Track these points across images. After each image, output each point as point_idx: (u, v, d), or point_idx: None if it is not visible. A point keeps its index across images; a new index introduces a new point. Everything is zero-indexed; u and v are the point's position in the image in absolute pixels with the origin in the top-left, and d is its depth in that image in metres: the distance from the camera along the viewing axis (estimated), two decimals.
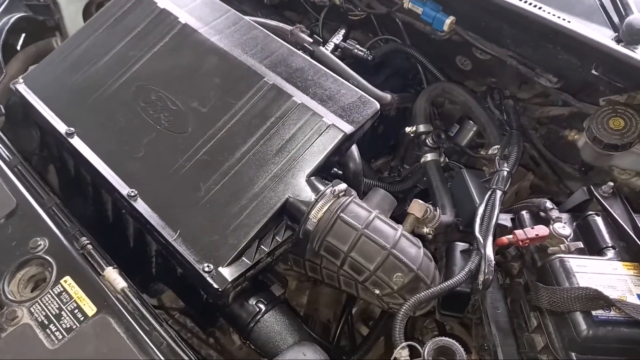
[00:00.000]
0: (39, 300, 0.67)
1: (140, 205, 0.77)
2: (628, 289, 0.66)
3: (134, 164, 0.82)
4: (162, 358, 0.62)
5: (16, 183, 0.80)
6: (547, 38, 0.90)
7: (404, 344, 0.62)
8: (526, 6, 0.89)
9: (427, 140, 0.97)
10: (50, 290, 0.68)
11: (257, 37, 0.93)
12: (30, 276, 0.71)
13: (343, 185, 0.75)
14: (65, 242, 0.73)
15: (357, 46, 1.06)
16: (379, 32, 1.23)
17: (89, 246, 0.74)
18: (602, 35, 0.87)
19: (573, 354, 0.63)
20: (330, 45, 1.02)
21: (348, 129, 0.79)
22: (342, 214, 0.72)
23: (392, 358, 0.63)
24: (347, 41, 1.06)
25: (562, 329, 0.66)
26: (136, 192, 0.78)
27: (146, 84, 0.89)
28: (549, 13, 0.89)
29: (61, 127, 0.87)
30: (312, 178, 0.76)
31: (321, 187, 0.75)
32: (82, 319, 0.65)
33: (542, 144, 1.01)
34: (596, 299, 0.63)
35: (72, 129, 0.86)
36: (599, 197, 0.78)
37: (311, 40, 0.97)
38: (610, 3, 0.91)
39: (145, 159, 0.82)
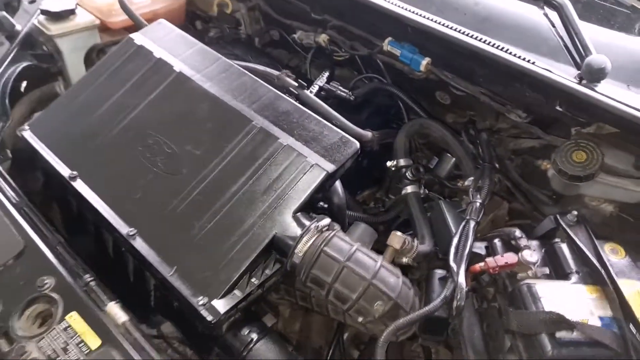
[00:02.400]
0: (47, 336, 0.72)
1: (139, 244, 0.83)
2: (590, 311, 0.72)
3: (132, 204, 0.89)
4: None
5: (23, 225, 0.86)
6: (515, 78, 0.97)
7: None
8: (494, 49, 0.97)
9: (407, 174, 1.04)
10: (56, 326, 0.73)
11: (246, 82, 1.00)
12: (37, 313, 0.76)
13: (327, 220, 0.82)
14: (70, 279, 0.78)
15: (340, 87, 1.13)
16: (363, 70, 1.31)
17: (92, 283, 0.80)
18: (565, 75, 0.95)
19: None
20: (315, 88, 1.09)
21: (330, 167, 0.85)
22: (325, 248, 0.78)
23: None
24: (331, 83, 1.14)
25: (530, 350, 0.71)
26: (135, 231, 0.84)
27: (143, 129, 0.96)
28: (515, 55, 0.96)
29: (65, 171, 0.93)
30: (299, 214, 0.82)
31: (306, 223, 0.81)
32: (86, 352, 0.71)
33: (518, 173, 1.07)
34: (559, 322, 0.69)
35: (75, 172, 0.93)
36: (564, 226, 0.84)
37: (296, 84, 1.05)
38: (571, 44, 0.99)
39: (143, 200, 0.88)
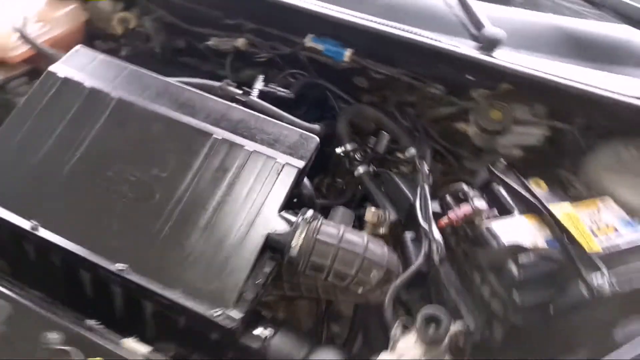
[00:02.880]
0: None
1: (134, 277, 0.83)
2: (535, 236, 0.89)
3: (111, 239, 0.88)
4: None
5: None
6: (429, 57, 1.12)
7: (397, 322, 0.79)
8: (409, 34, 1.10)
9: (356, 156, 1.15)
10: None
11: (192, 98, 1.02)
12: None
13: (310, 212, 0.90)
14: (75, 328, 0.77)
15: (278, 88, 1.20)
16: (284, 69, 1.38)
17: (97, 326, 0.79)
18: (468, 48, 1.12)
19: (514, 293, 0.84)
20: (256, 92, 1.14)
21: (300, 164, 0.93)
22: (318, 237, 0.86)
23: (390, 335, 0.79)
24: (269, 85, 1.20)
25: (500, 279, 0.87)
26: (125, 266, 0.84)
27: (98, 162, 0.94)
28: (426, 37, 1.11)
29: (23, 224, 0.88)
30: (282, 212, 0.89)
31: (293, 219, 0.88)
32: None
33: (441, 138, 1.24)
34: (518, 250, 0.85)
35: (35, 222, 0.88)
36: (497, 173, 1.01)
37: (240, 92, 1.09)
38: (468, 21, 1.16)
39: (122, 233, 0.88)
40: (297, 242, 0.86)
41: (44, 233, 0.88)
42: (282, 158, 0.93)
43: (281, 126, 0.99)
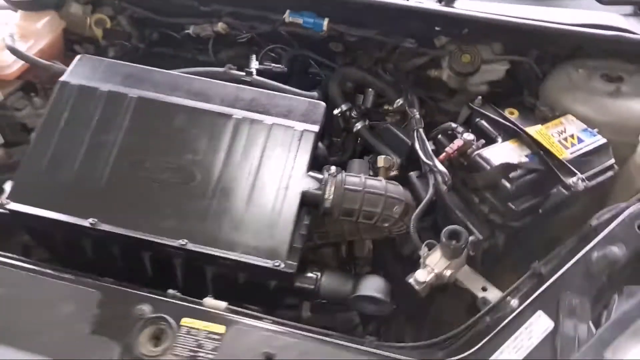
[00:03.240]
0: (176, 346, 0.84)
1: (197, 247, 0.96)
2: (518, 155, 1.08)
3: (166, 221, 0.99)
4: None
5: (72, 277, 0.92)
6: (400, 16, 1.26)
7: (424, 244, 0.96)
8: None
9: (352, 115, 1.29)
10: (178, 334, 0.85)
11: (204, 86, 1.12)
12: (150, 337, 0.87)
13: (333, 168, 1.04)
14: (161, 297, 0.89)
15: (273, 64, 1.31)
16: (262, 45, 1.47)
17: (178, 293, 0.92)
18: (432, 4, 1.27)
19: (509, 203, 1.04)
20: (254, 71, 1.25)
21: (315, 128, 1.06)
22: (345, 186, 1.01)
23: (420, 254, 0.96)
24: (264, 63, 1.30)
25: (496, 195, 1.06)
26: (186, 240, 0.96)
27: (135, 157, 1.04)
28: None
29: (82, 222, 0.98)
30: (309, 173, 1.03)
31: (319, 176, 1.03)
32: (219, 339, 0.85)
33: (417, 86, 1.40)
34: (508, 167, 1.04)
35: (94, 219, 0.98)
36: (476, 108, 1.19)
37: (244, 73, 1.20)
38: None
39: (176, 213, 0.99)
40: (329, 194, 1.01)
41: (105, 227, 0.98)
42: (299, 126, 1.06)
43: (289, 98, 1.12)
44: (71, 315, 0.87)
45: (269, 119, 1.07)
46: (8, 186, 1.13)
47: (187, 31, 1.46)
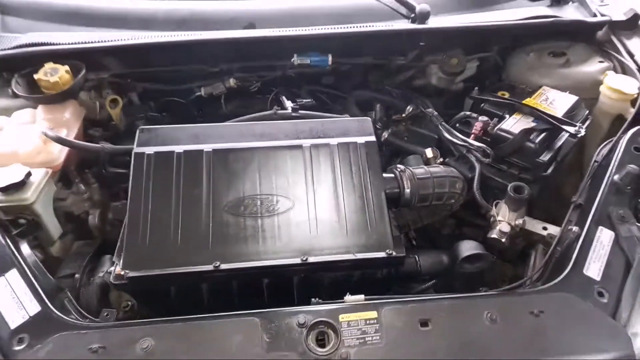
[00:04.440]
0: (344, 339, 0.95)
1: (317, 259, 1.08)
2: (527, 122, 1.35)
3: (279, 245, 1.10)
4: None
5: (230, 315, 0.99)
6: (391, 39, 1.51)
7: (492, 204, 1.18)
8: (372, 29, 1.47)
9: (376, 127, 1.50)
10: (342, 329, 0.96)
11: (265, 128, 1.26)
12: (317, 338, 0.96)
13: (401, 166, 1.23)
14: (310, 308, 1.00)
15: (304, 100, 1.48)
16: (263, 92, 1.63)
17: (319, 300, 1.03)
18: (410, 25, 1.53)
19: (537, 159, 1.29)
20: (295, 107, 1.40)
21: (373, 138, 1.24)
22: (417, 177, 1.21)
23: (492, 213, 1.18)
24: (297, 101, 1.47)
25: (522, 157, 1.31)
26: (305, 255, 1.08)
27: (229, 200, 1.14)
28: (383, 27, 1.50)
29: (206, 268, 1.06)
30: (384, 174, 1.21)
31: (391, 175, 1.21)
32: (376, 323, 0.97)
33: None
34: (528, 132, 1.30)
35: (216, 263, 1.06)
36: (479, 97, 1.46)
37: (290, 110, 1.36)
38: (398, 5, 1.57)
39: (285, 237, 1.11)
40: (407, 186, 1.19)
41: (227, 266, 1.06)
42: (360, 139, 1.24)
43: (339, 121, 1.30)
44: (244, 343, 0.94)
45: (333, 140, 1.23)
46: (107, 262, 1.18)
47: (197, 93, 1.59)
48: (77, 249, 1.31)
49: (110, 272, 1.11)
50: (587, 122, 1.42)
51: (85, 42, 1.47)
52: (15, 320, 0.98)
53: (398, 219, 1.29)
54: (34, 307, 1.00)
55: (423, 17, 1.54)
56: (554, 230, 1.21)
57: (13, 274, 1.04)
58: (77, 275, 1.19)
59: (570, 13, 1.66)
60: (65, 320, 0.99)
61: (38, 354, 0.93)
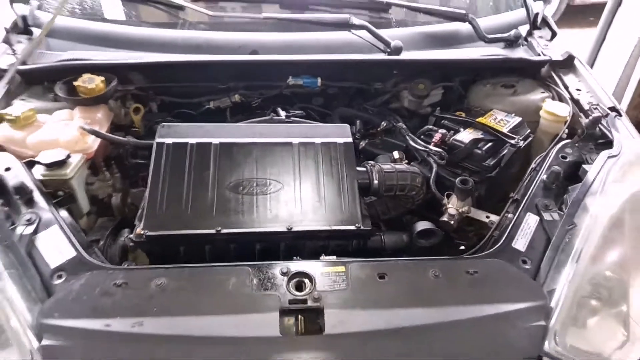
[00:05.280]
0: (317, 285, 1.19)
1: (300, 229, 1.34)
2: (477, 134, 1.65)
3: (271, 217, 1.36)
4: None
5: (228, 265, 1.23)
6: (369, 68, 1.84)
7: (444, 195, 1.46)
8: (358, 58, 1.80)
9: (355, 137, 1.79)
10: (317, 279, 1.21)
11: (263, 128, 1.55)
12: (296, 285, 1.21)
13: (372, 162, 1.52)
14: (292, 262, 1.25)
15: (295, 111, 1.78)
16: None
17: (299, 258, 1.28)
18: (386, 57, 1.86)
19: (483, 162, 1.58)
20: (286, 115, 1.70)
21: (350, 140, 1.53)
22: (384, 170, 1.49)
23: (443, 202, 1.45)
24: (289, 111, 1.77)
25: (473, 160, 1.60)
26: (290, 225, 1.34)
27: (231, 182, 1.41)
28: (366, 58, 1.82)
29: (211, 231, 1.32)
30: (357, 168, 1.49)
31: (364, 169, 1.50)
32: (343, 274, 1.22)
33: None
34: (476, 140, 1.60)
35: (218, 228, 1.32)
36: (439, 115, 1.77)
37: (284, 116, 1.66)
38: (378, 43, 1.90)
39: (275, 211, 1.37)
40: (375, 178, 1.47)
41: (227, 231, 1.32)
42: (340, 140, 1.52)
43: (322, 126, 1.59)
44: (237, 284, 1.18)
45: (317, 140, 1.52)
46: (126, 233, 1.43)
47: (207, 106, 1.89)
48: (100, 223, 1.57)
49: (130, 238, 1.36)
50: (529, 139, 1.72)
51: (116, 60, 1.79)
52: (55, 262, 1.23)
53: (370, 210, 1.56)
54: (70, 253, 1.25)
55: (397, 51, 1.88)
56: (494, 218, 1.48)
57: (54, 229, 1.29)
58: (101, 242, 1.44)
59: (519, 54, 1.99)
60: (95, 263, 1.24)
61: (73, 286, 1.17)
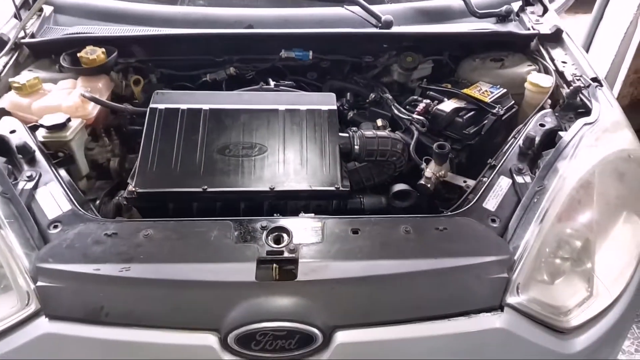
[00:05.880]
0: (293, 238, 1.28)
1: (282, 188, 1.42)
2: (459, 104, 1.70)
3: (255, 178, 1.43)
4: None
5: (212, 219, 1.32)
6: (361, 42, 1.89)
7: (422, 160, 1.52)
8: (350, 32, 1.86)
9: (344, 108, 1.86)
10: (294, 232, 1.29)
11: (252, 96, 1.63)
12: (275, 239, 1.29)
13: (354, 128, 1.58)
14: (273, 217, 1.33)
15: (285, 82, 1.85)
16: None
17: (279, 215, 1.36)
18: (378, 31, 1.92)
19: (464, 130, 1.64)
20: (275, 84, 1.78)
21: (334, 107, 1.60)
22: (365, 135, 1.55)
23: (422, 167, 1.51)
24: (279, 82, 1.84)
25: (454, 128, 1.66)
26: (273, 185, 1.42)
27: (219, 145, 1.49)
28: (358, 32, 1.88)
29: (197, 190, 1.40)
30: (340, 134, 1.56)
31: (346, 134, 1.56)
32: (319, 229, 1.30)
33: None
34: (457, 110, 1.65)
35: (204, 186, 1.41)
36: (425, 86, 1.82)
37: (273, 84, 1.73)
38: (368, 16, 1.96)
39: (260, 172, 1.45)
40: (357, 143, 1.54)
41: (212, 189, 1.41)
42: (324, 107, 1.59)
43: (308, 95, 1.66)
44: (219, 236, 1.27)
45: (303, 107, 1.59)
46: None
47: (204, 79, 1.97)
48: (98, 185, 1.67)
49: (124, 197, 1.46)
50: (513, 110, 1.76)
51: (118, 34, 1.88)
52: (52, 214, 1.33)
53: (354, 176, 1.63)
54: (67, 207, 1.34)
55: (387, 25, 1.93)
56: (471, 183, 1.53)
57: (53, 185, 1.39)
58: (97, 201, 1.54)
59: (510, 29, 2.03)
60: (89, 216, 1.34)
61: (67, 234, 1.27)
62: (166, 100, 1.59)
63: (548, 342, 1.21)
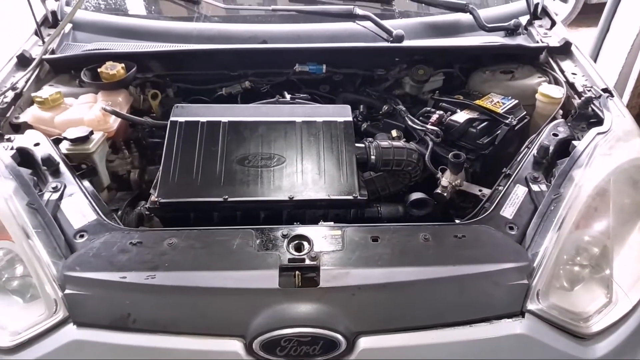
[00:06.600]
0: (315, 246, 1.30)
1: (300, 198, 1.44)
2: (472, 115, 1.74)
3: (274, 188, 1.46)
4: None
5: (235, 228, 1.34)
6: (374, 55, 1.94)
7: (439, 169, 1.54)
8: (364, 46, 1.91)
9: (358, 119, 1.89)
10: (314, 240, 1.31)
11: (269, 109, 1.67)
12: (295, 247, 1.31)
13: (370, 138, 1.61)
14: (293, 226, 1.35)
15: (301, 95, 1.89)
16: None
17: (299, 224, 1.38)
18: (386, 44, 1.96)
19: (477, 140, 1.67)
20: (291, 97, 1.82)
21: (350, 119, 1.63)
22: (380, 146, 1.58)
23: (437, 177, 1.54)
24: (295, 95, 1.88)
25: (468, 139, 1.69)
26: (292, 195, 1.45)
27: (238, 156, 1.52)
28: (372, 46, 1.92)
29: (219, 199, 1.43)
30: (356, 144, 1.59)
31: (362, 145, 1.59)
32: (339, 237, 1.32)
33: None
34: (471, 120, 1.68)
35: (225, 196, 1.44)
36: (438, 98, 1.85)
37: (289, 98, 1.77)
38: (382, 32, 2.01)
39: (279, 182, 1.48)
40: (373, 153, 1.57)
41: (233, 199, 1.43)
42: (340, 119, 1.62)
43: (325, 107, 1.70)
44: (241, 244, 1.29)
45: (319, 119, 1.62)
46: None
47: (219, 92, 2.01)
48: (120, 196, 1.70)
49: (147, 207, 1.49)
50: (525, 120, 1.79)
51: (136, 50, 1.93)
52: (78, 224, 1.36)
53: (370, 186, 1.65)
54: (92, 216, 1.37)
55: (398, 39, 1.98)
56: (487, 191, 1.56)
57: (78, 195, 1.42)
58: (120, 211, 1.57)
59: (519, 42, 2.07)
60: (114, 225, 1.36)
61: (94, 243, 1.30)
62: (186, 114, 1.63)
63: (569, 347, 1.22)
